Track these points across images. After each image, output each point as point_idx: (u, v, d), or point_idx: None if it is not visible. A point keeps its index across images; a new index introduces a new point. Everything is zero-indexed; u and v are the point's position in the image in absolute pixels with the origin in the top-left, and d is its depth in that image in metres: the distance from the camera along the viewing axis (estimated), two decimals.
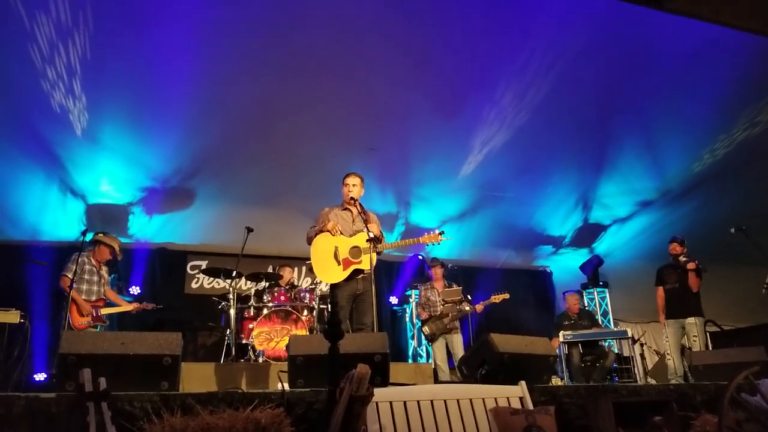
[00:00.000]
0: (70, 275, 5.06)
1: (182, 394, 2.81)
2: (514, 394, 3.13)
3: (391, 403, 2.78)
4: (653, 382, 7.38)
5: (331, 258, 4.49)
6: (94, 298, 5.21)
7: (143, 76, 6.29)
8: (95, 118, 6.54)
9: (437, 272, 6.83)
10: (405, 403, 2.81)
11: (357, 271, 4.48)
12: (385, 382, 3.36)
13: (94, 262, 5.32)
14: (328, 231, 4.50)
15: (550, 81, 6.91)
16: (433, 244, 4.78)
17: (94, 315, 5.18)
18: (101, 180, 7.31)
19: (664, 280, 6.60)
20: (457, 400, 2.94)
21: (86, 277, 5.23)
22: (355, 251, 4.49)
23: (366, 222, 4.52)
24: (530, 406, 3.09)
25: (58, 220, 7.33)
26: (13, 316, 4.41)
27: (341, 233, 4.56)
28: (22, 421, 2.57)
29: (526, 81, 6.94)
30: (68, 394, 2.65)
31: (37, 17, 5.35)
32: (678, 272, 6.44)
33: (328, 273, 4.51)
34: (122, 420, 2.58)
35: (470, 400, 2.97)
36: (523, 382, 3.17)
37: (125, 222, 7.82)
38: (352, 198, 4.66)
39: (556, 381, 6.76)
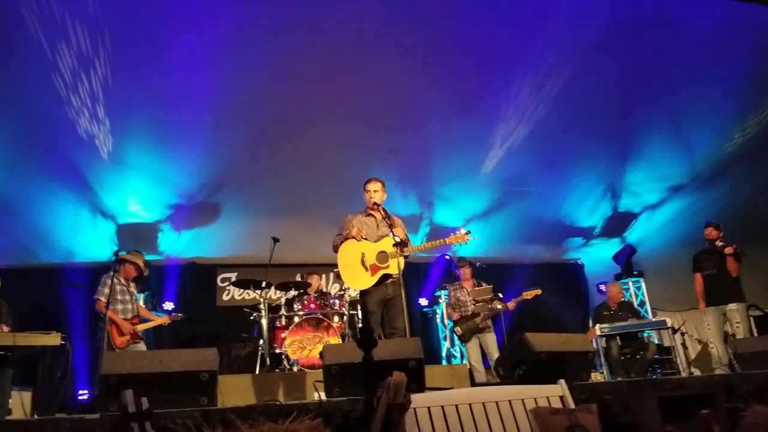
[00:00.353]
0: (103, 298, 5.17)
1: (222, 409, 2.83)
2: (554, 393, 3.06)
3: (429, 408, 2.74)
4: (697, 372, 7.18)
5: (359, 264, 4.48)
6: (129, 316, 5.32)
7: (164, 96, 6.41)
8: (120, 141, 6.69)
9: (465, 272, 6.76)
10: (443, 407, 2.77)
11: (385, 276, 4.47)
12: (421, 388, 3.33)
13: (123, 281, 5.41)
14: (352, 237, 4.49)
15: (568, 71, 6.82)
16: (461, 244, 4.71)
17: (133, 332, 5.28)
18: (129, 200, 7.47)
19: (701, 267, 6.41)
20: (496, 403, 2.88)
21: (119, 297, 5.32)
22: (382, 256, 4.48)
23: (391, 227, 4.49)
24: (571, 405, 3.02)
25: (90, 241, 7.50)
26: (54, 339, 4.49)
27: (366, 239, 4.55)
28: None
29: (543, 73, 6.86)
30: (112, 414, 2.69)
31: (58, 47, 5.52)
32: (715, 257, 6.24)
33: (357, 280, 4.51)
34: None
35: (509, 401, 2.91)
36: (562, 381, 3.10)
37: (155, 239, 7.96)
38: (375, 203, 4.64)
39: (595, 376, 6.63)
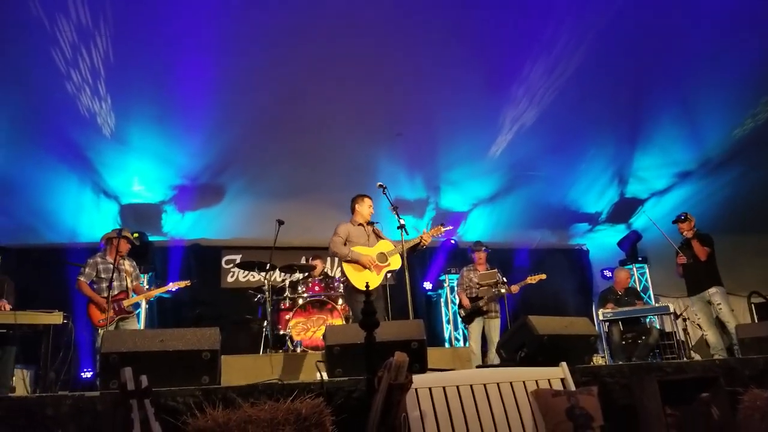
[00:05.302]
0: (82, 278, 5.24)
1: (223, 388, 2.83)
2: (555, 375, 3.08)
3: (430, 389, 2.76)
4: (698, 357, 7.18)
5: (364, 269, 4.96)
6: (116, 292, 5.27)
7: (167, 75, 6.33)
8: (122, 120, 6.62)
9: (480, 256, 6.75)
10: (444, 388, 2.79)
11: (387, 273, 5.05)
12: (423, 369, 3.33)
13: (109, 259, 5.38)
14: (363, 266, 4.96)
15: (580, 54, 6.66)
16: (438, 236, 5.36)
17: (116, 308, 5.24)
18: (132, 180, 7.43)
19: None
20: (497, 384, 2.90)
21: (103, 276, 5.31)
22: (382, 256, 5.04)
23: (379, 238, 5.16)
24: (572, 388, 3.03)
25: (94, 221, 7.47)
26: (56, 317, 4.52)
27: (362, 245, 5.05)
28: (70, 419, 2.63)
29: (555, 55, 6.71)
30: (112, 392, 2.70)
31: (57, 20, 5.40)
32: (686, 248, 6.37)
33: (365, 282, 4.79)
34: (166, 415, 2.61)
35: (510, 383, 2.93)
36: (564, 363, 3.11)
37: (158, 220, 7.95)
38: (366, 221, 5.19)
39: (597, 359, 6.63)
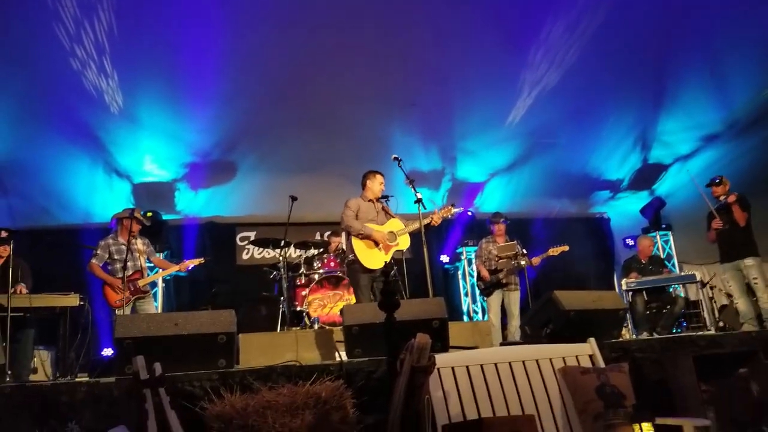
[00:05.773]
0: (95, 260, 5.19)
1: (241, 371, 2.77)
2: (583, 352, 3.00)
3: (453, 368, 2.69)
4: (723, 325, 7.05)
5: (374, 247, 4.87)
6: (131, 272, 5.23)
7: (173, 49, 6.20)
8: (130, 96, 6.52)
9: (500, 228, 6.60)
10: (468, 367, 2.72)
11: (395, 252, 5.00)
12: (445, 348, 3.24)
13: (121, 239, 5.33)
14: (374, 241, 4.86)
15: (602, 10, 6.34)
16: (449, 216, 5.25)
17: (132, 289, 5.21)
18: (144, 158, 7.36)
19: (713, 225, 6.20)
20: (523, 362, 2.82)
21: (116, 257, 5.26)
22: (391, 235, 4.96)
23: (388, 216, 5.08)
24: (601, 364, 2.95)
25: (107, 201, 7.44)
26: (72, 300, 4.49)
27: (370, 221, 4.98)
28: (86, 406, 2.58)
29: (576, 12, 6.39)
30: (127, 377, 2.64)
31: None
32: (723, 213, 6.02)
33: (374, 260, 4.84)
34: (183, 400, 2.56)
35: (537, 361, 2.87)
36: (592, 339, 3.03)
37: (172, 198, 7.90)
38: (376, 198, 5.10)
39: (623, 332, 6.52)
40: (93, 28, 5.68)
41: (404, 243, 5.00)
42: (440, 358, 2.48)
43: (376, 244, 4.85)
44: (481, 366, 2.70)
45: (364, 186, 5.13)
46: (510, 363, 2.75)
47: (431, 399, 2.56)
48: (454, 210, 5.27)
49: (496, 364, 2.73)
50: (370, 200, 5.06)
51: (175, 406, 2.24)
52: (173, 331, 2.79)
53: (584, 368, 2.84)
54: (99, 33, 5.74)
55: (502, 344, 5.51)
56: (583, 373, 2.83)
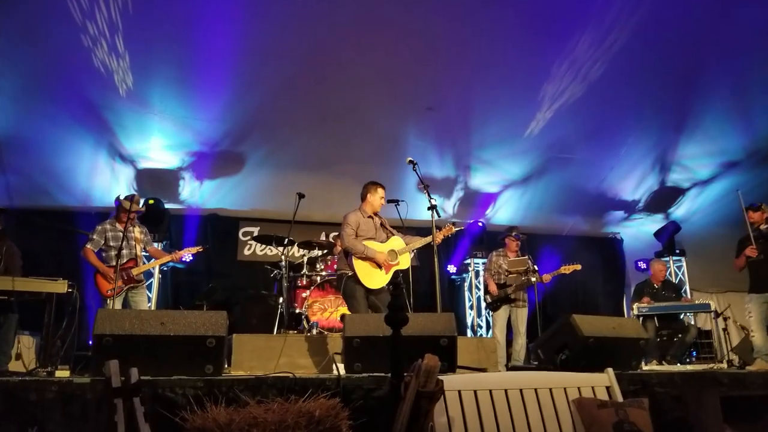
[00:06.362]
0: (90, 246, 5.02)
1: (228, 380, 2.55)
2: (600, 382, 2.82)
3: (459, 392, 2.52)
4: (735, 358, 6.81)
5: (375, 267, 4.70)
6: (125, 260, 5.06)
7: (188, 34, 6.01)
8: (140, 79, 6.33)
9: (514, 243, 6.38)
10: (475, 392, 2.50)
11: (396, 273, 4.80)
12: (452, 368, 3.01)
13: (119, 226, 5.15)
14: (377, 263, 4.68)
15: (632, 25, 6.12)
16: (449, 236, 5.13)
17: (125, 277, 5.01)
18: (150, 144, 7.16)
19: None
20: (535, 390, 2.62)
21: (112, 243, 5.09)
22: (392, 254, 4.79)
23: (388, 234, 4.89)
24: (619, 397, 2.76)
25: (108, 185, 7.25)
26: (60, 286, 4.25)
27: (369, 239, 4.79)
28: (56, 407, 2.36)
29: (606, 26, 6.17)
30: (103, 379, 2.41)
31: None
32: (761, 243, 5.77)
33: (374, 280, 4.68)
34: (162, 408, 2.35)
35: (550, 389, 2.68)
36: (609, 370, 2.82)
37: (176, 187, 7.70)
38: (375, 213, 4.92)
39: None
40: (107, 4, 5.50)
41: (405, 262, 4.86)
42: (447, 381, 2.29)
43: (379, 265, 4.70)
44: (490, 391, 2.52)
45: (363, 198, 4.92)
46: (521, 390, 2.57)
47: (435, 427, 2.35)
48: (455, 229, 5.20)
49: (506, 390, 2.55)
50: (369, 216, 4.86)
51: (151, 417, 2.02)
52: (159, 330, 2.56)
53: (601, 401, 2.64)
54: (113, 10, 5.55)
55: (512, 367, 5.31)
56: (600, 407, 2.66)
